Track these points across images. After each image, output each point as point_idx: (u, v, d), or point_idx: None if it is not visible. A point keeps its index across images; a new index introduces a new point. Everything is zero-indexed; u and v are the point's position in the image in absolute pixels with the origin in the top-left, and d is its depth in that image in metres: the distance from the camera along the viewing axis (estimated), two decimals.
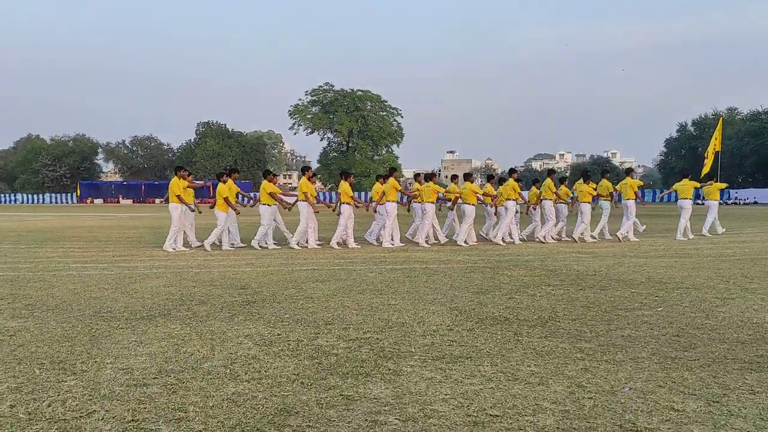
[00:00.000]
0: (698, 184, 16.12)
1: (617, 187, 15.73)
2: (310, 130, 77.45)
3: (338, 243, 13.58)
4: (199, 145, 78.25)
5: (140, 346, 4.86)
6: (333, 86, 77.00)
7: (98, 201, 70.66)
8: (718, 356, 4.52)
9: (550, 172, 15.58)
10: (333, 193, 58.86)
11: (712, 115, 72.87)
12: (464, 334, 5.24)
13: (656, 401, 3.57)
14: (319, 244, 13.65)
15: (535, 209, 15.37)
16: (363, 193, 56.68)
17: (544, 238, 14.65)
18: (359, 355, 4.58)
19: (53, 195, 75.46)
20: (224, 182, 13.29)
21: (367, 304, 6.59)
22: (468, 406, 3.50)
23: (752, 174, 68.57)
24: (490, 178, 16.09)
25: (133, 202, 70.42)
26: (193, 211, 13.59)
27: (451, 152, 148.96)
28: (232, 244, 13.63)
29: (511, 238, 14.66)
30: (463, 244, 13.77)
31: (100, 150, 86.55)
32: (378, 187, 14.31)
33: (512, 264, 10.15)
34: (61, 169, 79.88)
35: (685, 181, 15.95)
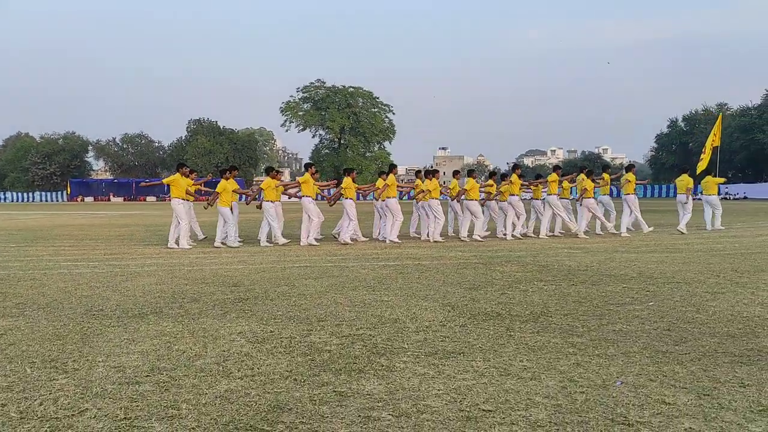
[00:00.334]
0: (691, 182, 16.27)
1: (621, 180, 15.85)
2: (301, 127, 77.33)
3: (351, 238, 13.59)
4: (190, 143, 77.91)
5: (132, 344, 4.85)
6: (324, 83, 76.91)
7: (89, 199, 70.29)
8: (708, 350, 4.56)
9: (556, 168, 15.56)
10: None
11: (702, 110, 73.27)
12: (457, 329, 5.25)
13: (647, 395, 3.59)
14: (317, 240, 13.64)
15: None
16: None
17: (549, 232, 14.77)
18: (352, 351, 4.59)
19: (43, 193, 75.03)
20: (227, 179, 13.29)
21: (360, 301, 6.60)
22: (461, 401, 3.51)
23: (742, 169, 69.08)
24: (470, 173, 16.13)
25: (124, 200, 70.12)
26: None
27: (443, 149, 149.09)
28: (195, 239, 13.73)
29: (504, 235, 14.72)
30: (478, 238, 13.91)
31: (90, 148, 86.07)
32: (380, 183, 14.32)
33: (504, 260, 10.18)
34: (51, 167, 79.39)
35: (684, 176, 16.07)
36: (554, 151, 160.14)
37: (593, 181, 15.47)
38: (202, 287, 7.64)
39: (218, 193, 13.20)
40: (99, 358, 4.44)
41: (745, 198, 53.03)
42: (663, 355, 4.41)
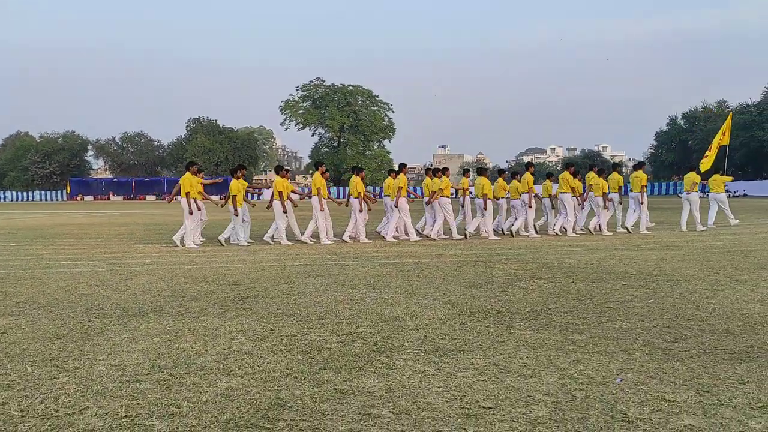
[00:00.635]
0: (698, 179, 16.33)
1: (630, 178, 15.86)
2: (301, 126, 77.28)
3: (350, 237, 13.56)
4: (189, 141, 77.87)
5: (133, 343, 4.85)
6: (324, 81, 76.87)
7: (88, 198, 70.28)
8: (708, 347, 4.56)
9: (568, 166, 15.51)
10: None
11: (702, 108, 73.23)
12: (457, 327, 5.26)
13: (647, 392, 3.60)
14: (312, 240, 13.63)
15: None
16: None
17: (561, 229, 14.75)
18: (352, 349, 4.59)
19: (43, 192, 75.02)
20: (237, 178, 13.25)
21: (360, 299, 6.60)
22: (461, 398, 3.52)
23: (741, 167, 69.03)
24: (465, 171, 16.09)
25: (124, 198, 70.12)
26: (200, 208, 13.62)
27: (442, 147, 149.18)
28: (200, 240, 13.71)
29: (505, 231, 14.73)
30: (494, 237, 13.91)
31: (89, 147, 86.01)
32: (390, 181, 14.25)
33: (504, 258, 10.19)
34: (50, 166, 79.35)
35: (691, 174, 16.10)
36: (554, 149, 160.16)
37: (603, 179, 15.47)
38: (202, 286, 7.65)
39: (234, 195, 13.03)
40: (100, 357, 4.45)
41: (745, 195, 53.04)
42: (663, 352, 4.42)
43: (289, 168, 14.92)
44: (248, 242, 13.33)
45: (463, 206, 14.85)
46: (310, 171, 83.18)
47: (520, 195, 14.55)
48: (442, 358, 4.31)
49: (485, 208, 13.81)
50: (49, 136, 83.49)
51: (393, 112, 78.01)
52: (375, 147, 78.98)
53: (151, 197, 69.31)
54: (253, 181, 69.40)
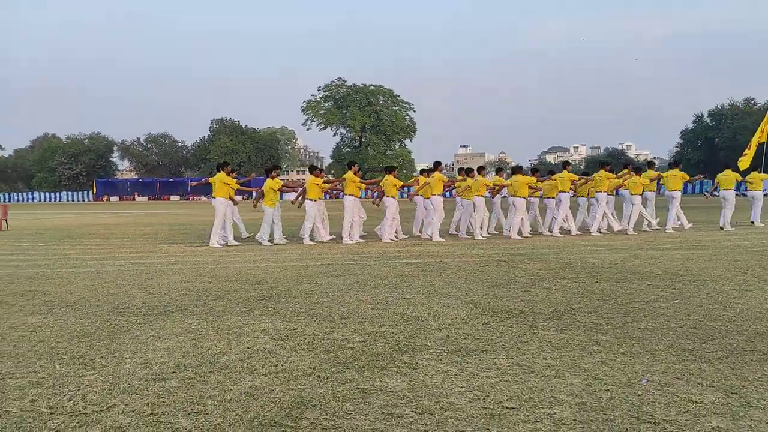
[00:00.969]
0: (740, 177, 16.13)
1: (664, 176, 15.66)
2: (323, 126, 77.52)
3: (388, 236, 13.56)
4: (213, 142, 78.55)
5: (158, 341, 4.91)
6: (345, 81, 77.03)
7: (114, 198, 71.26)
8: (736, 348, 4.49)
9: (603, 165, 15.33)
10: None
11: (729, 105, 71.99)
12: (479, 327, 5.24)
13: (674, 393, 3.55)
14: (332, 238, 13.65)
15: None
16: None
17: (598, 230, 14.61)
18: (375, 348, 4.60)
19: (70, 193, 76.23)
20: (272, 178, 13.32)
21: (382, 299, 6.61)
22: (484, 398, 3.51)
23: None
24: (498, 170, 15.99)
25: (149, 199, 70.95)
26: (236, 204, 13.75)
27: (464, 146, 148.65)
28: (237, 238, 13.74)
29: (545, 232, 14.64)
30: (518, 237, 13.78)
31: (115, 148, 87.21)
32: (422, 180, 14.23)
33: (527, 257, 10.12)
34: (77, 167, 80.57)
35: (728, 171, 15.85)
36: (577, 147, 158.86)
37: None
38: (226, 285, 7.72)
39: (263, 191, 13.13)
40: (126, 355, 4.51)
41: None
42: (689, 353, 4.36)
43: (322, 168, 14.96)
44: (271, 242, 13.35)
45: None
46: (332, 171, 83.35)
47: (558, 194, 14.40)
48: (464, 358, 4.30)
49: (519, 207, 13.75)
50: (75, 137, 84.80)
51: (414, 111, 77.96)
52: (396, 147, 78.94)
53: (175, 197, 70.06)
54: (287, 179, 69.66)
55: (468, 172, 14.55)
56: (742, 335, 4.85)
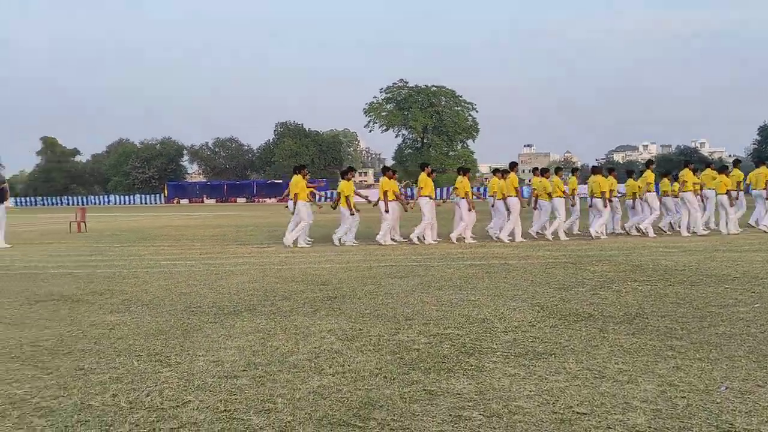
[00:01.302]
0: None
1: (750, 176, 15.02)
2: (385, 128, 77.85)
3: (458, 238, 13.40)
4: (277, 145, 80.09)
5: (229, 340, 5.05)
6: (407, 83, 77.08)
7: (184, 201, 73.61)
8: None
9: (686, 164, 14.77)
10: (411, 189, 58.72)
11: None
12: (547, 330, 5.15)
13: (755, 401, 3.39)
14: (402, 241, 13.58)
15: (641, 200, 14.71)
16: (441, 190, 56.25)
17: (646, 230, 14.15)
18: (441, 350, 4.59)
19: (143, 196, 79.16)
20: (348, 180, 13.44)
21: (447, 300, 6.59)
22: (554, 403, 3.45)
23: None
24: (574, 171, 15.60)
25: (216, 201, 72.95)
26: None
27: (528, 146, 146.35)
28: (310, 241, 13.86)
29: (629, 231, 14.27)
30: (605, 236, 13.52)
31: (185, 152, 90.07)
32: (495, 182, 14.02)
33: (595, 259, 9.87)
34: (149, 171, 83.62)
35: (763, 168, 14.97)
36: (646, 146, 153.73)
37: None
38: (292, 285, 7.86)
39: (347, 195, 13.28)
40: (199, 353, 4.66)
41: None
42: None
43: (396, 170, 14.90)
44: (353, 243, 13.39)
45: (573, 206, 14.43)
46: (395, 172, 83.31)
47: (640, 194, 14.00)
48: (532, 362, 4.24)
49: (605, 207, 13.44)
50: (148, 142, 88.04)
51: (477, 111, 77.28)
52: (458, 147, 78.46)
53: (241, 200, 71.77)
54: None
55: (543, 172, 14.21)
56: None
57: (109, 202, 77.50)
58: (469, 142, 79.33)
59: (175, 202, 73.53)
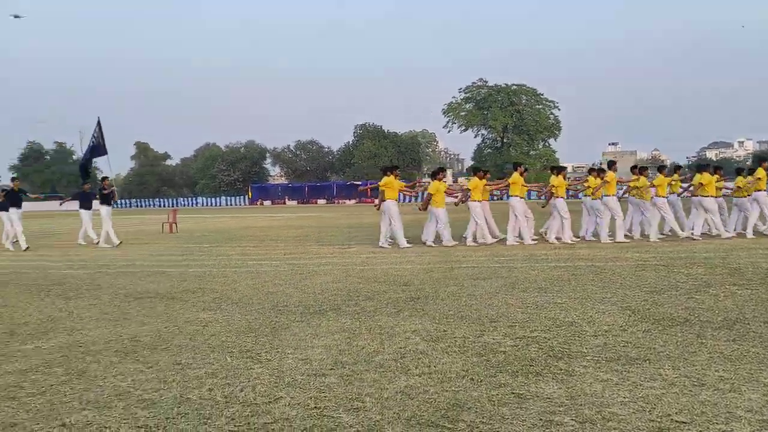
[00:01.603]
0: None
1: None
2: (464, 128, 77.29)
3: (556, 238, 13.11)
4: (357, 147, 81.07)
5: (316, 339, 5.15)
6: (486, 82, 76.23)
7: (267, 202, 75.68)
8: None
9: (761, 161, 13.99)
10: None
11: None
12: (639, 335, 4.96)
13: None
14: (495, 240, 13.45)
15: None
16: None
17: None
18: (528, 353, 4.51)
19: (228, 198, 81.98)
20: (439, 180, 13.48)
21: (532, 302, 6.47)
22: (650, 410, 3.32)
23: None
24: (661, 169, 14.97)
25: (298, 203, 74.59)
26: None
27: (613, 144, 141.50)
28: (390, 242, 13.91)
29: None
30: (657, 240, 12.97)
31: (267, 155, 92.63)
32: (593, 181, 13.68)
33: (689, 261, 9.43)
34: (234, 173, 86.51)
35: None
36: (742, 142, 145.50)
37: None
38: (374, 286, 7.93)
39: (431, 194, 13.28)
40: (288, 351, 4.78)
41: None
42: None
43: (487, 170, 14.78)
44: (440, 244, 13.37)
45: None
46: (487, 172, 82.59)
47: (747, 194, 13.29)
48: (625, 367, 4.10)
49: (709, 207, 12.89)
50: (233, 146, 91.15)
51: (559, 109, 75.43)
52: (540, 146, 76.86)
53: (321, 201, 73.10)
54: (417, 183, 70.36)
55: (641, 171, 13.69)
56: None
57: (197, 203, 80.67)
58: (551, 140, 77.51)
59: (258, 203, 75.70)
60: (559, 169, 13.66)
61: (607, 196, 12.97)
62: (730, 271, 8.33)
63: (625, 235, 13.32)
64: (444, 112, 78.01)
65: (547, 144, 77.86)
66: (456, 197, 14.41)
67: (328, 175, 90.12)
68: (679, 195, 14.18)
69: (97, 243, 16.04)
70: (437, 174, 13.77)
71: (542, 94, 75.26)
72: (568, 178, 15.30)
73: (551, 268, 9.19)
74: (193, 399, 3.72)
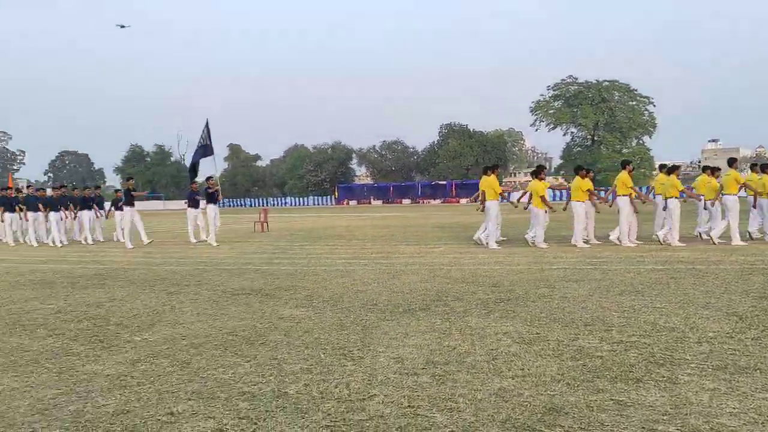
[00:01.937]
0: None
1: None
2: (552, 126, 75.47)
3: (664, 239, 12.60)
4: (441, 147, 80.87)
5: (406, 338, 5.18)
6: (576, 79, 74.11)
7: (352, 202, 76.80)
8: None
9: None
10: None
11: None
12: (749, 343, 4.68)
13: None
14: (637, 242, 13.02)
15: None
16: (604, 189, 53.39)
17: None
18: (626, 359, 4.35)
19: (315, 197, 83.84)
20: (541, 179, 13.33)
21: (629, 306, 6.23)
22: (763, 423, 3.13)
23: None
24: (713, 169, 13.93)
25: (383, 202, 75.24)
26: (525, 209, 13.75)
27: (713, 141, 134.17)
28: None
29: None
30: (741, 243, 12.18)
31: (353, 155, 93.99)
32: (705, 180, 13.04)
33: None
34: (321, 174, 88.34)
35: None
36: None
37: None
38: (463, 286, 7.88)
39: (541, 195, 13.11)
40: (379, 349, 4.84)
41: None
42: None
43: (590, 169, 14.39)
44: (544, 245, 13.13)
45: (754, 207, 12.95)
46: (561, 171, 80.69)
47: None
48: (734, 376, 3.88)
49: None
50: (320, 147, 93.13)
51: (654, 105, 72.27)
52: (633, 144, 73.89)
53: (406, 201, 73.40)
54: (504, 183, 69.38)
55: (716, 169, 12.98)
56: None
57: (285, 203, 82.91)
58: (645, 138, 74.35)
59: (344, 203, 76.95)
60: (673, 169, 12.93)
61: (728, 195, 12.28)
62: None
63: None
64: (531, 110, 76.48)
65: (641, 141, 74.71)
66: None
67: (412, 175, 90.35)
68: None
69: (200, 241, 16.86)
70: (538, 173, 13.48)
71: (636, 90, 72.34)
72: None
73: (648, 270, 8.82)
74: (290, 393, 3.83)
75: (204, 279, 9.35)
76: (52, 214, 17.51)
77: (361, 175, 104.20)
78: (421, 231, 19.45)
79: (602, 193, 15.38)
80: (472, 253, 12.04)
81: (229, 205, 79.14)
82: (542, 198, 12.86)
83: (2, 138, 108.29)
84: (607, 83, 72.51)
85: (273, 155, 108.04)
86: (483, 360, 4.43)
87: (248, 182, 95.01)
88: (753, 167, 13.33)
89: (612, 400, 3.54)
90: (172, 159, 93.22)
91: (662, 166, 13.62)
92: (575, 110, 73.15)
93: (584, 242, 12.81)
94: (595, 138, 74.12)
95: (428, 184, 75.43)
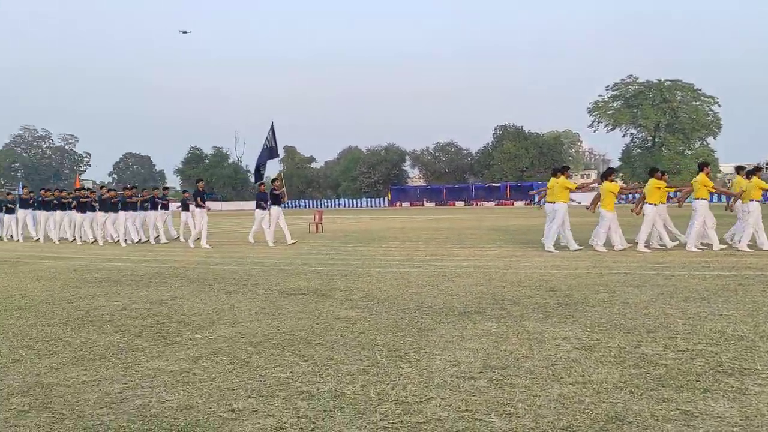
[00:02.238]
0: None
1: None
2: (611, 127, 73.64)
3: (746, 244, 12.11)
4: (496, 148, 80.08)
5: (463, 341, 5.14)
6: (637, 78, 72.14)
7: (405, 204, 76.84)
8: None
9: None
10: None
11: None
12: None
13: None
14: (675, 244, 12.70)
15: None
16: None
17: None
18: (692, 367, 4.20)
19: (369, 199, 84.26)
20: (611, 181, 13.09)
21: (694, 313, 6.02)
22: None
23: None
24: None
25: (436, 205, 75.01)
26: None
27: None
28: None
29: None
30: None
31: (407, 157, 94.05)
32: (740, 181, 12.60)
33: None
34: (375, 176, 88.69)
35: None
36: None
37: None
38: (519, 290, 7.77)
39: (600, 194, 12.90)
40: (435, 351, 4.82)
41: None
42: None
43: (665, 170, 14.02)
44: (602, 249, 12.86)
45: None
46: (621, 173, 78.61)
47: None
48: None
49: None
50: (374, 149, 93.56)
51: (719, 105, 69.63)
52: (696, 145, 71.39)
53: (459, 203, 72.97)
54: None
55: (748, 173, 12.38)
56: None
57: (339, 205, 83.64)
58: (710, 139, 71.73)
59: (397, 205, 77.07)
60: (755, 171, 12.40)
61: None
62: None
63: None
64: (589, 111, 74.85)
65: (705, 143, 72.13)
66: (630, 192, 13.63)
67: (466, 177, 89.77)
68: None
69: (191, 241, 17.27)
70: (608, 175, 13.20)
71: (700, 89, 69.88)
72: (729, 179, 13.91)
73: (714, 276, 8.51)
74: (348, 394, 3.85)
75: (261, 279, 9.51)
76: (123, 213, 18.19)
77: (414, 176, 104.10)
78: (475, 233, 19.31)
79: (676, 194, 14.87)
80: (529, 257, 11.86)
81: (284, 206, 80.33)
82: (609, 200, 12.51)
83: (70, 140, 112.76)
84: (669, 83, 70.33)
85: (327, 157, 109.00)
86: (542, 365, 4.36)
87: (302, 184, 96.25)
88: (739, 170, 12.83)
89: (678, 409, 3.42)
90: (230, 161, 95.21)
91: (739, 168, 13.06)
92: (635, 110, 71.21)
93: (645, 247, 12.44)
94: (656, 139, 71.99)
95: (482, 186, 74.79)
